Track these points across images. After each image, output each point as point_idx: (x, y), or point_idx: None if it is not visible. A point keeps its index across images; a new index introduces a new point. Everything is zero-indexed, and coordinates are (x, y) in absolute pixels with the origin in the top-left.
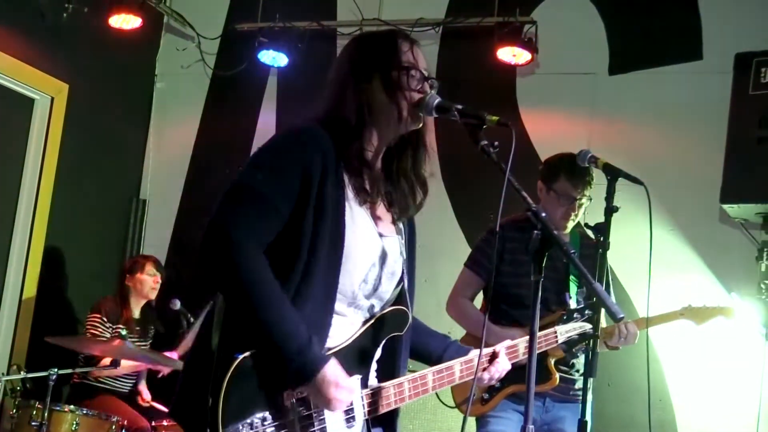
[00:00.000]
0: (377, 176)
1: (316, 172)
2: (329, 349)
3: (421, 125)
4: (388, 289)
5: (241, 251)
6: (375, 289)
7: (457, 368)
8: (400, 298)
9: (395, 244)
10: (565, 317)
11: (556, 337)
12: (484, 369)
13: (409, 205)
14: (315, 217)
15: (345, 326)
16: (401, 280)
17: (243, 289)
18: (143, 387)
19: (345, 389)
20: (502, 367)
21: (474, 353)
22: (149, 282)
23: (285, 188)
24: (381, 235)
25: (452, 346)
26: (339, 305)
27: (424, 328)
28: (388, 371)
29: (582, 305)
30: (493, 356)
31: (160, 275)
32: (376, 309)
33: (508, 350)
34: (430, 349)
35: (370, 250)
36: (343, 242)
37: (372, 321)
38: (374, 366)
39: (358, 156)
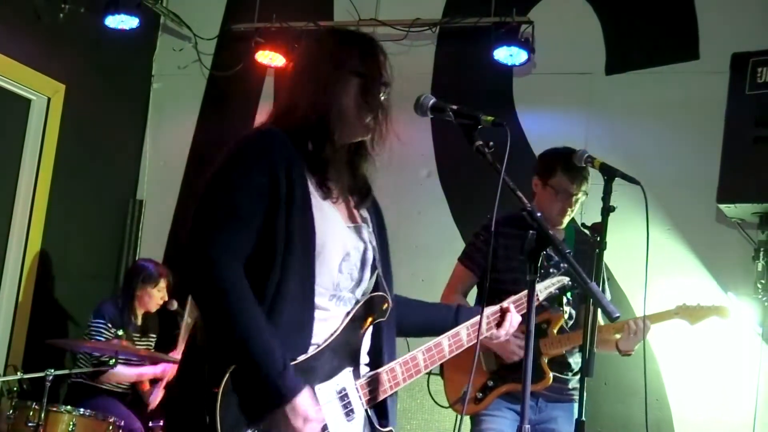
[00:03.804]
0: (337, 170)
1: (282, 174)
2: (317, 345)
3: (368, 137)
4: (365, 278)
5: (221, 274)
6: (355, 280)
7: (463, 333)
8: (377, 285)
9: (364, 233)
10: (542, 274)
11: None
12: (499, 325)
13: (365, 193)
14: (286, 216)
15: (329, 321)
16: (374, 267)
17: (224, 313)
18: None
19: (314, 422)
20: (516, 320)
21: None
22: (156, 298)
23: (255, 199)
24: (348, 227)
25: (463, 312)
26: (320, 299)
27: (423, 303)
28: (378, 358)
29: (555, 260)
30: (503, 313)
31: (166, 293)
32: (358, 298)
33: (516, 304)
34: (437, 320)
35: (341, 241)
36: (314, 235)
37: (353, 311)
38: (365, 356)
39: (317, 152)
